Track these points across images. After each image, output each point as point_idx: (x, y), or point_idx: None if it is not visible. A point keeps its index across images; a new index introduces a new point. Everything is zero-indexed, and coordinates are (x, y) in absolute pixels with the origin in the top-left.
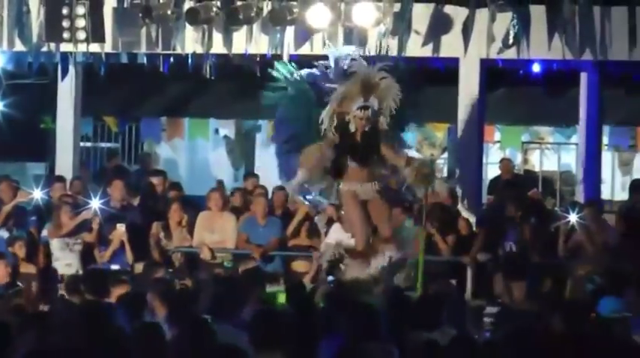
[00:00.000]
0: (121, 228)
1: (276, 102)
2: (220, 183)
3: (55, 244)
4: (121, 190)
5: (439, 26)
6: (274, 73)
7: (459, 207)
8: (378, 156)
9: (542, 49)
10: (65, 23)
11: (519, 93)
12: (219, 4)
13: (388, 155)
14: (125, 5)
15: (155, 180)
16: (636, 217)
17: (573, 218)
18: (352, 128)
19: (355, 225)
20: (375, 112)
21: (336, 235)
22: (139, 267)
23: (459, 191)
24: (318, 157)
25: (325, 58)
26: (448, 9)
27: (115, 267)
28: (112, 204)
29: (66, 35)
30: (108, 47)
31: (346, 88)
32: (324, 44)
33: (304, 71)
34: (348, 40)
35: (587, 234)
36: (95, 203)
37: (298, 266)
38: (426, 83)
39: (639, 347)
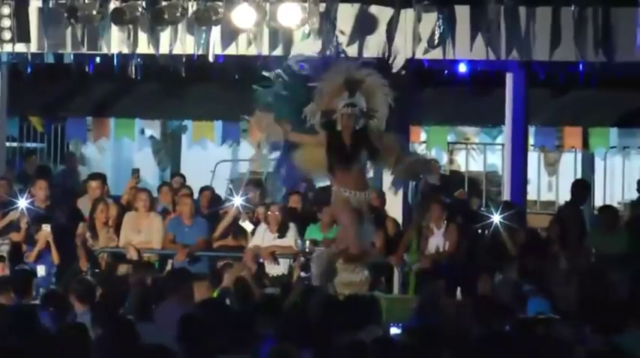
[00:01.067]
0: (46, 228)
1: (269, 102)
2: (136, 171)
3: None
4: (45, 190)
5: (364, 26)
6: (266, 73)
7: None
8: (371, 156)
9: (468, 49)
10: None
11: (445, 93)
12: (144, 4)
13: (387, 145)
14: (50, 5)
15: (94, 183)
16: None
17: (497, 218)
18: (339, 126)
19: (348, 230)
20: (362, 111)
21: (260, 236)
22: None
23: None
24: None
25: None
26: (373, 9)
27: (40, 267)
28: (37, 204)
29: None
30: (33, 47)
31: (328, 83)
32: (249, 44)
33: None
34: (273, 41)
35: (508, 235)
36: (22, 203)
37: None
38: None
39: (562, 346)
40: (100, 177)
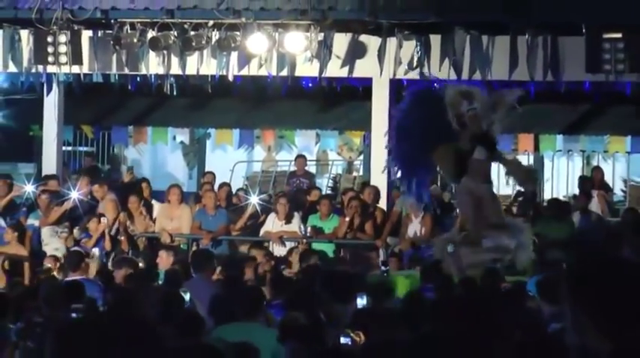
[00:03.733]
0: (104, 220)
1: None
2: (130, 168)
3: (45, 232)
4: (87, 186)
5: (356, 52)
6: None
7: None
8: (489, 153)
9: (439, 70)
10: (50, 49)
11: None
12: (176, 33)
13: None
14: (99, 35)
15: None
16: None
17: None
18: (471, 125)
19: (469, 216)
20: (480, 115)
21: (270, 223)
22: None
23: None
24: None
25: None
26: (363, 37)
27: (95, 250)
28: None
29: (50, 59)
30: (85, 69)
31: (448, 98)
32: (260, 66)
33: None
34: (280, 64)
35: None
36: (74, 194)
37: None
38: (345, 98)
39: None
40: (145, 180)
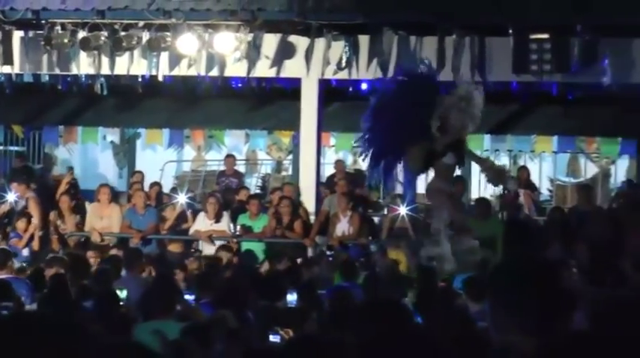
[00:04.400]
0: (34, 220)
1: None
2: (71, 168)
3: None
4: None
5: (285, 52)
6: None
7: None
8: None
9: (367, 70)
10: None
11: (350, 106)
12: (106, 34)
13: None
14: (30, 35)
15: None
16: None
17: (403, 210)
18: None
19: (451, 210)
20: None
21: (200, 222)
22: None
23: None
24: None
25: None
26: (292, 38)
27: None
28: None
29: None
30: (16, 69)
31: (456, 97)
32: (190, 66)
33: None
34: (209, 64)
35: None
36: (11, 197)
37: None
38: (275, 98)
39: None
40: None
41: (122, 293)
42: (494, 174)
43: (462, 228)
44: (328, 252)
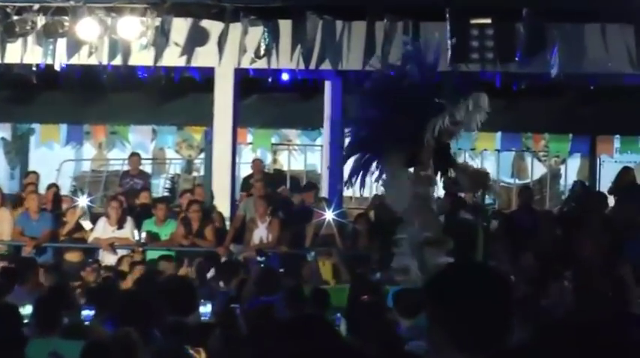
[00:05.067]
0: None
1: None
2: None
3: None
4: None
5: (196, 38)
6: None
7: None
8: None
9: (289, 59)
10: None
11: (269, 99)
12: None
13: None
14: None
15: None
16: None
17: (329, 215)
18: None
19: (431, 220)
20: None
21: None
22: None
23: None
24: None
25: None
26: (205, 23)
27: None
28: None
29: None
30: None
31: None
32: (91, 54)
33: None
34: (112, 51)
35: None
36: None
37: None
38: (185, 90)
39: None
40: None
41: (25, 309)
42: (468, 181)
43: (437, 241)
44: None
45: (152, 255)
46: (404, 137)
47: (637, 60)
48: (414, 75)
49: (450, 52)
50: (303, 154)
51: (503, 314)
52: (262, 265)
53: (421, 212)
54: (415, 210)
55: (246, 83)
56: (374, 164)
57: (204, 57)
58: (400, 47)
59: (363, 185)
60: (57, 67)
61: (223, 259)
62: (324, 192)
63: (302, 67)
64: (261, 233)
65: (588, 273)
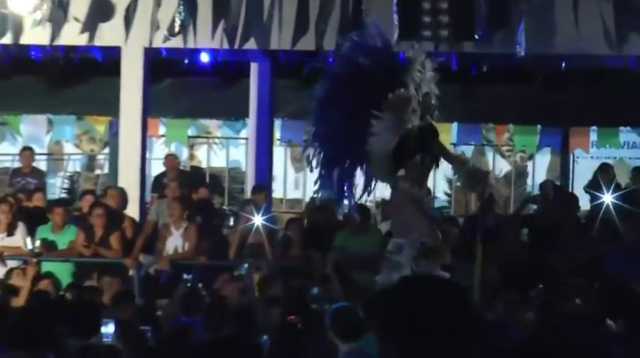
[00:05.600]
0: None
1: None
2: None
3: None
4: None
5: (99, 13)
6: None
7: None
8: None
9: (209, 37)
10: None
11: (185, 84)
12: None
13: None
14: None
15: None
16: None
17: (258, 220)
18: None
19: (424, 227)
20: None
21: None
22: None
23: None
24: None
25: None
26: None
27: None
28: None
29: None
30: None
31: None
32: None
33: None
34: (2, 28)
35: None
36: None
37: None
38: (87, 73)
39: None
40: None
41: None
42: (468, 176)
43: (434, 251)
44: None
45: (48, 266)
46: (381, 133)
47: (616, 39)
48: (367, 64)
49: (396, 29)
50: (225, 149)
51: (461, 332)
52: (188, 283)
53: (419, 217)
54: (413, 215)
55: (159, 65)
56: (357, 172)
57: (109, 34)
58: (337, 24)
59: (341, 201)
60: None
61: (132, 272)
62: (249, 193)
63: (224, 46)
64: (175, 241)
65: (560, 289)
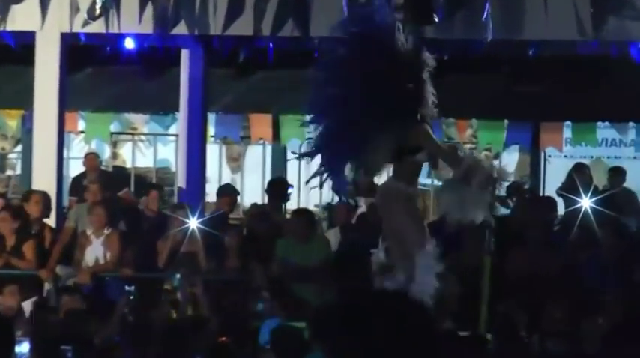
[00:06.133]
0: None
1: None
2: None
3: None
4: None
5: None
6: None
7: None
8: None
9: (136, 21)
10: None
11: (108, 74)
12: None
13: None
14: None
15: None
16: None
17: (194, 223)
18: None
19: (416, 232)
20: None
21: None
22: None
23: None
24: None
25: None
26: None
27: None
28: None
29: None
30: None
31: None
32: None
33: None
34: None
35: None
36: None
37: None
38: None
39: None
40: None
41: None
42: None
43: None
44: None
45: None
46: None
47: (592, 23)
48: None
49: (345, 11)
50: (153, 147)
51: (421, 353)
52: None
53: (411, 221)
54: (405, 220)
55: (78, 53)
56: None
57: (22, 18)
58: (276, 6)
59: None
60: None
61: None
62: (181, 198)
63: (152, 31)
64: (96, 251)
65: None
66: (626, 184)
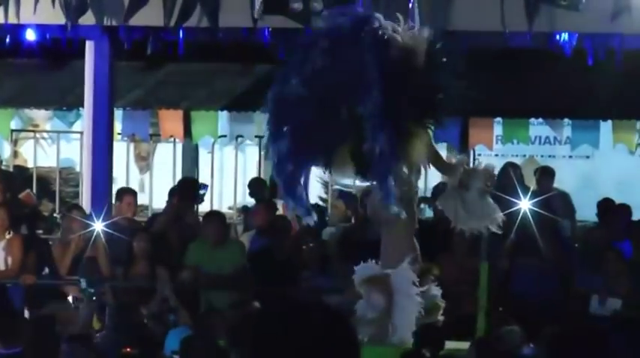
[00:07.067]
0: None
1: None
2: None
3: None
4: None
5: None
6: None
7: None
8: None
9: (32, 10)
10: None
11: (7, 67)
12: None
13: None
14: None
15: None
16: None
17: (99, 226)
18: None
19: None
20: None
21: None
22: None
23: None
24: None
25: None
26: None
27: None
28: None
29: None
30: None
31: None
32: None
33: None
34: None
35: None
36: None
37: None
38: None
39: None
40: None
41: None
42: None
43: (423, 269)
44: None
45: None
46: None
47: (529, 12)
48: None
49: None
50: (56, 145)
51: None
52: None
53: (409, 226)
54: (404, 237)
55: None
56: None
57: None
58: None
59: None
60: None
61: None
62: (85, 197)
63: (54, 21)
64: None
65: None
66: (561, 185)
